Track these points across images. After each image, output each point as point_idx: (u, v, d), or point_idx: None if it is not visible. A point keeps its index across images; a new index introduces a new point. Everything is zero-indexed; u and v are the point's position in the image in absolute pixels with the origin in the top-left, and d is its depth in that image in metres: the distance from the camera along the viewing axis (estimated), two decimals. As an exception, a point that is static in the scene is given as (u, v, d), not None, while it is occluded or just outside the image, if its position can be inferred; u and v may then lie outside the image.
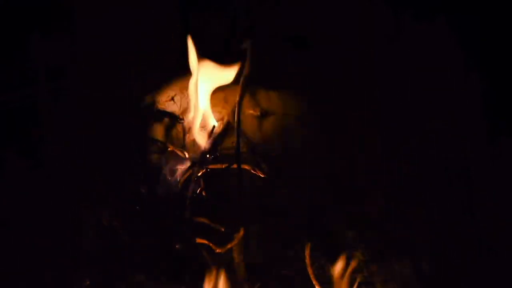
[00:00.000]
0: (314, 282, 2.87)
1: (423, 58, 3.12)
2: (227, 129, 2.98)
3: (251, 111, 3.01)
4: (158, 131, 3.04)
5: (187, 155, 2.95)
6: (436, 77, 3.11)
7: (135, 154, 3.04)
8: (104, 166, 3.05)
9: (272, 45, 3.12)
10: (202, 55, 2.95)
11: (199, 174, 2.91)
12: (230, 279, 2.86)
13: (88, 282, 2.97)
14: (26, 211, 3.06)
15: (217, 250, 2.85)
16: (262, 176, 2.91)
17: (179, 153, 2.96)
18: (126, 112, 3.10)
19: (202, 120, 2.97)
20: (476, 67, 3.11)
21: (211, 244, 2.84)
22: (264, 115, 3.02)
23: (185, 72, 2.99)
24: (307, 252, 2.88)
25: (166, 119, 3.04)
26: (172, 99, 3.06)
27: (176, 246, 2.90)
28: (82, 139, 3.12)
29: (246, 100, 3.01)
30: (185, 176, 2.93)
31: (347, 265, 2.87)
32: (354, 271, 2.89)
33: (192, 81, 2.94)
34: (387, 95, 3.10)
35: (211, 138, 2.95)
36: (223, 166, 2.91)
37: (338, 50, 3.13)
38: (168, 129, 3.04)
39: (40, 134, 3.16)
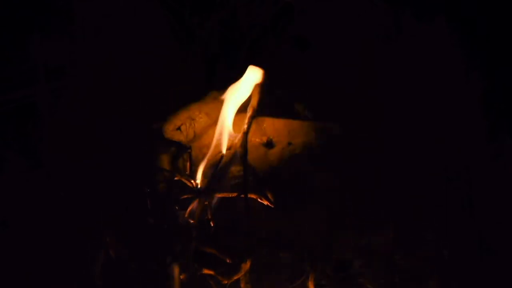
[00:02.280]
0: None
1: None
2: (234, 158, 2.98)
3: (258, 140, 3.02)
4: (165, 160, 3.03)
5: (194, 184, 2.96)
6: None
7: (142, 184, 3.04)
8: (110, 195, 3.06)
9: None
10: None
11: (206, 203, 2.92)
12: None
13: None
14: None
15: (224, 281, 2.85)
16: (269, 205, 2.92)
17: (186, 182, 2.96)
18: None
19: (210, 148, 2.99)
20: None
21: (217, 275, 2.85)
22: (270, 143, 3.02)
23: (193, 99, 3.01)
24: (310, 282, 2.89)
25: (173, 148, 3.04)
26: (179, 128, 3.06)
27: (181, 277, 2.90)
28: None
29: (253, 129, 3.02)
30: (192, 205, 2.94)
31: None
32: None
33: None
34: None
35: (218, 167, 2.95)
36: (230, 195, 2.92)
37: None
38: (175, 158, 3.03)
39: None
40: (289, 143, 3.02)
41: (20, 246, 3.03)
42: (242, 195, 2.88)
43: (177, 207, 2.94)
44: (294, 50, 3.14)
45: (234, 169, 2.97)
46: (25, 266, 3.01)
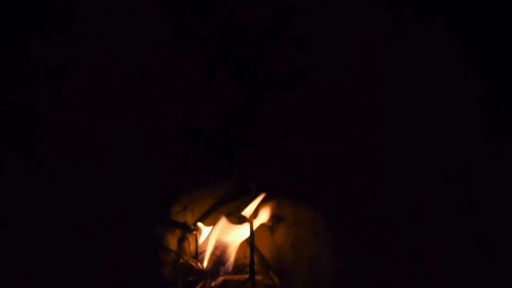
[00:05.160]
0: None
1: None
2: (241, 240, 2.99)
3: (264, 221, 3.03)
4: (171, 242, 3.03)
5: (200, 266, 2.96)
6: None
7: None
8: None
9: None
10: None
11: (212, 286, 2.92)
12: None
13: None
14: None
15: None
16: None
17: (192, 264, 2.96)
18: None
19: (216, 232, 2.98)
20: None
21: None
22: (276, 225, 3.03)
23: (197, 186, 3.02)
24: None
25: (179, 230, 3.04)
26: (185, 208, 3.06)
27: None
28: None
29: (258, 212, 3.02)
30: (198, 287, 2.94)
31: None
32: None
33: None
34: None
35: (224, 249, 2.96)
36: (236, 278, 2.93)
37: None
38: (181, 240, 3.03)
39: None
40: (295, 223, 3.02)
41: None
42: (248, 277, 2.91)
43: None
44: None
45: (241, 250, 2.99)
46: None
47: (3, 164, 3.13)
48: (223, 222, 2.95)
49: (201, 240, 2.97)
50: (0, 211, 3.06)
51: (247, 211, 2.97)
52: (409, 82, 3.11)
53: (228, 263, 2.95)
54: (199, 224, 2.98)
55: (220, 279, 2.94)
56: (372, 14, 3.14)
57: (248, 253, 2.95)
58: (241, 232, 2.97)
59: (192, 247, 2.99)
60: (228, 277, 2.94)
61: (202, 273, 2.95)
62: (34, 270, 3.01)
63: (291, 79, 3.12)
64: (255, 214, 2.98)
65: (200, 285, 2.94)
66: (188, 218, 3.03)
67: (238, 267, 2.96)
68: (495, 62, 3.13)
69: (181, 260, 2.98)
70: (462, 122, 3.09)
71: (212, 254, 2.96)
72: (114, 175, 3.07)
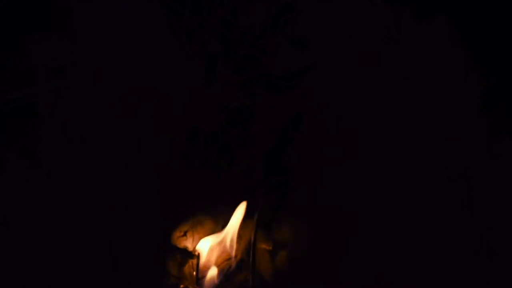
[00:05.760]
0: None
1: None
2: (241, 265, 2.99)
3: (264, 246, 3.03)
4: (172, 266, 3.03)
5: None
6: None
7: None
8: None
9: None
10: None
11: None
12: None
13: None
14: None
15: None
16: None
17: None
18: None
19: (216, 257, 2.99)
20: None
21: None
22: (276, 249, 3.03)
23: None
24: None
25: (179, 255, 3.04)
26: (185, 234, 3.05)
27: None
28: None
29: (259, 235, 3.02)
30: None
31: None
32: None
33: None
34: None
35: (225, 274, 2.97)
36: None
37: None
38: (181, 265, 3.03)
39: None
40: (296, 247, 3.02)
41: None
42: None
43: None
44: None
45: (241, 275, 2.99)
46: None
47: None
48: (220, 244, 2.96)
49: (201, 265, 2.97)
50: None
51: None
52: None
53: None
54: (200, 249, 2.98)
55: None
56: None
57: (249, 277, 2.96)
58: (241, 254, 2.98)
59: (193, 272, 2.99)
60: None
61: None
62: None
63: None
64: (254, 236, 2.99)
65: None
66: (189, 243, 3.03)
67: None
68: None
69: (181, 286, 2.98)
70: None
71: (211, 278, 2.96)
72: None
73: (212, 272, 2.95)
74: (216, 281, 2.94)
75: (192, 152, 3.11)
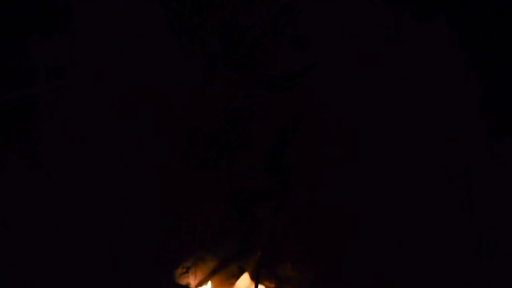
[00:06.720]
0: None
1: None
2: None
3: (267, 283, 3.04)
4: None
5: None
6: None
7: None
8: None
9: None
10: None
11: None
12: None
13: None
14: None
15: None
16: None
17: None
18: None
19: None
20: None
21: None
22: (280, 285, 3.04)
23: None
24: None
25: None
26: (187, 271, 3.06)
27: None
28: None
29: (262, 273, 3.05)
30: None
31: None
32: None
33: None
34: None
35: None
36: None
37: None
38: None
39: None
40: (298, 283, 3.03)
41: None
42: None
43: None
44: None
45: None
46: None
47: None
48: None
49: None
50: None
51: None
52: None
53: None
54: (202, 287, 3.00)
55: None
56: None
57: None
58: None
59: None
60: None
61: None
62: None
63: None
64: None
65: None
66: (191, 281, 3.04)
67: None
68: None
69: None
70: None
71: None
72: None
73: None
74: None
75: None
